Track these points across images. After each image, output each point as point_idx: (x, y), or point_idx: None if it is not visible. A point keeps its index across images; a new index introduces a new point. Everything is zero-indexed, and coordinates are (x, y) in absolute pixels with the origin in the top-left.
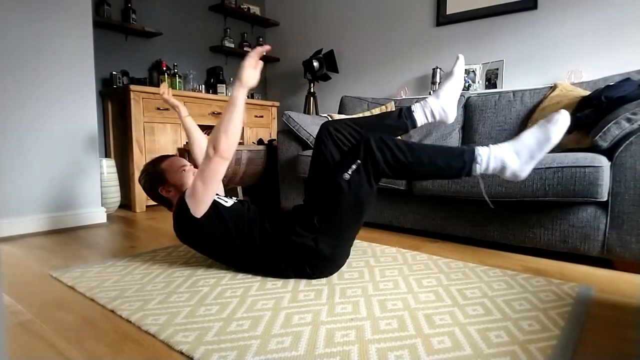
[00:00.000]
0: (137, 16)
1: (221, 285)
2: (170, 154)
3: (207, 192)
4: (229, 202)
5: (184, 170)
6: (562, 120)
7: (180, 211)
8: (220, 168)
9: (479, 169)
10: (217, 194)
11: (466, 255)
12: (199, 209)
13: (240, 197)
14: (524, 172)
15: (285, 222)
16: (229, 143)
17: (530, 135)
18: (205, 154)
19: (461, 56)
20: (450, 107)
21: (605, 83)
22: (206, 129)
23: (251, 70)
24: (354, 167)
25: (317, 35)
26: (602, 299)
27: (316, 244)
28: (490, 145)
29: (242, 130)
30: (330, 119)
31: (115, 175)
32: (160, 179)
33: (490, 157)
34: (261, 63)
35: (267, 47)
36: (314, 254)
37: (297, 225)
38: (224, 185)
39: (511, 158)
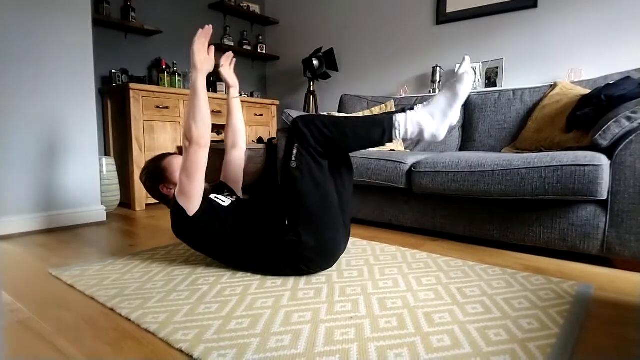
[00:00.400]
0: (137, 14)
1: (221, 283)
2: (171, 152)
3: (193, 185)
4: (226, 202)
5: None
6: (467, 78)
7: (175, 210)
8: (199, 157)
9: (398, 134)
10: (216, 195)
11: (466, 253)
12: (191, 205)
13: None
14: (440, 131)
15: (277, 222)
16: (199, 129)
17: (440, 97)
18: (183, 148)
19: (467, 58)
20: (429, 124)
21: (605, 82)
22: None
23: (201, 54)
24: (294, 151)
25: (317, 33)
26: (601, 298)
27: (299, 238)
28: (407, 110)
29: None
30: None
31: (115, 174)
32: (161, 177)
33: (407, 121)
34: (212, 48)
35: (210, 27)
36: (300, 247)
37: (279, 226)
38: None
39: (427, 120)
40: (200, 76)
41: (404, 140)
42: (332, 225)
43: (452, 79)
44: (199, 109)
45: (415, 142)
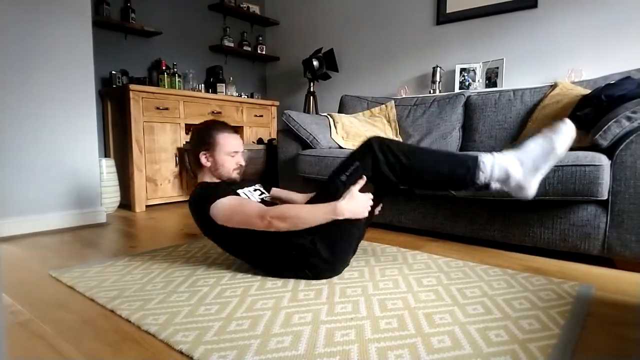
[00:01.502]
0: (137, 15)
1: (221, 284)
2: (230, 126)
3: (230, 224)
4: (253, 197)
5: (233, 156)
6: (566, 130)
7: (201, 206)
8: (253, 226)
9: (482, 177)
10: (245, 191)
11: (466, 254)
12: (218, 220)
13: None
14: (529, 184)
15: None
16: (281, 229)
17: (534, 145)
18: (259, 215)
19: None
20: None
21: (606, 82)
22: None
23: (358, 202)
24: (352, 168)
25: (316, 34)
26: (602, 298)
27: (314, 245)
28: (494, 153)
29: (242, 129)
30: (330, 118)
31: (115, 175)
32: (209, 145)
33: (495, 164)
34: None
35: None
36: (313, 255)
37: None
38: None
39: (515, 167)
40: (332, 217)
41: (487, 185)
42: (348, 243)
43: (547, 128)
44: (301, 223)
45: (416, 143)
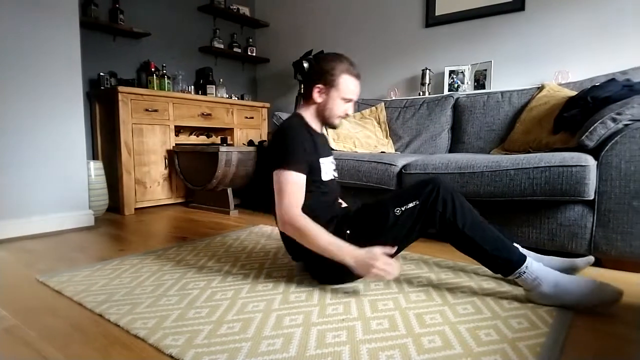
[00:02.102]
0: (125, 16)
1: (211, 287)
2: (356, 67)
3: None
4: (327, 175)
5: (346, 102)
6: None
7: (275, 158)
8: (276, 211)
9: (514, 275)
10: (324, 160)
11: (456, 254)
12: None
13: (231, 199)
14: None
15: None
16: (290, 235)
17: (576, 283)
18: (285, 211)
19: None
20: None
21: (591, 84)
22: (195, 130)
23: (370, 265)
24: (410, 205)
25: (307, 36)
26: None
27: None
28: (541, 265)
29: (232, 131)
30: None
31: (103, 178)
32: (328, 82)
33: (534, 273)
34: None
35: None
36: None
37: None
38: (214, 188)
39: (547, 283)
40: (345, 260)
41: (531, 289)
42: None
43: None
44: (314, 247)
45: (406, 145)
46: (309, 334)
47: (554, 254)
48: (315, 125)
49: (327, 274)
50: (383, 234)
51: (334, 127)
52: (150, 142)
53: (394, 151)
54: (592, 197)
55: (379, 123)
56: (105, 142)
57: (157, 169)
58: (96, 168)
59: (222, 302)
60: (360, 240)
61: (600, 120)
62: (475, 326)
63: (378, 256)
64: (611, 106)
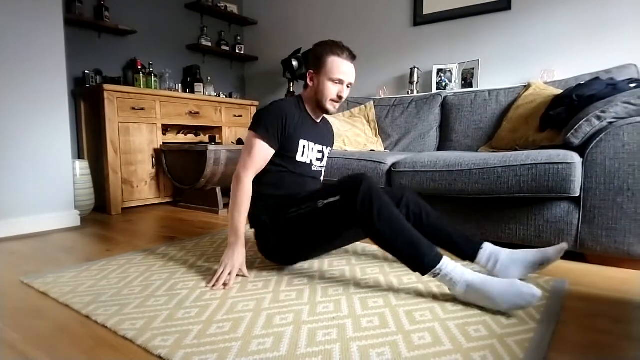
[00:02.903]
0: (111, 14)
1: (200, 287)
2: (349, 51)
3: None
4: (310, 156)
5: (336, 83)
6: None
7: (252, 123)
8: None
9: (432, 273)
10: (309, 142)
11: (444, 251)
12: None
13: (220, 198)
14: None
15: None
16: (231, 188)
17: (498, 285)
18: (239, 173)
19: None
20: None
21: (577, 82)
22: (183, 128)
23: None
24: (332, 200)
25: (295, 34)
26: (576, 292)
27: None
28: (458, 264)
29: (221, 130)
30: None
31: (89, 177)
32: (316, 65)
33: (453, 275)
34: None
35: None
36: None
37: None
38: (203, 187)
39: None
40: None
41: (449, 288)
42: (292, 252)
43: (525, 286)
44: (230, 213)
45: (395, 143)
46: (300, 332)
47: None
48: (312, 110)
49: (278, 253)
50: (307, 225)
51: (327, 111)
52: (137, 141)
53: (383, 149)
54: (577, 194)
55: (368, 121)
56: (91, 141)
57: (145, 168)
58: (82, 167)
59: (212, 302)
60: (294, 226)
61: (586, 118)
62: (464, 322)
63: (234, 265)
64: (596, 104)
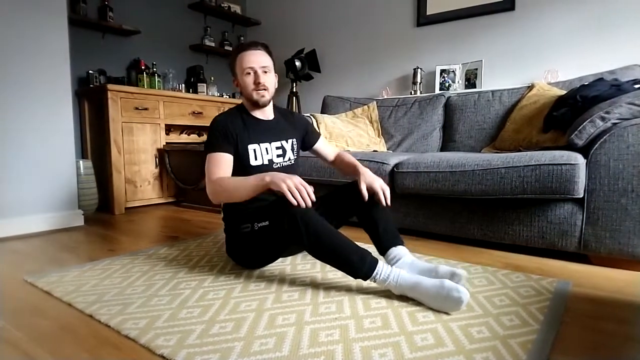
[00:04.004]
0: (115, 14)
1: (203, 287)
2: (258, 43)
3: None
4: (269, 155)
5: (249, 73)
6: (462, 299)
7: (205, 149)
8: (207, 187)
9: (374, 281)
10: (261, 144)
11: (448, 252)
12: None
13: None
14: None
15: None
16: (221, 200)
17: (432, 286)
18: (210, 179)
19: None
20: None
21: (580, 83)
22: (186, 128)
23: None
24: (263, 224)
25: (298, 34)
26: (579, 294)
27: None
28: (393, 268)
29: None
30: (313, 118)
31: (93, 177)
32: (233, 70)
33: (389, 277)
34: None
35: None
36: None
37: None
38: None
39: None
40: (267, 180)
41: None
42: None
43: (452, 284)
44: (241, 188)
45: (398, 143)
46: (302, 333)
47: (545, 252)
48: (251, 109)
49: (247, 257)
50: (254, 241)
51: (258, 102)
52: (141, 140)
53: (386, 150)
54: (581, 195)
55: (371, 122)
56: (95, 141)
57: (148, 168)
58: (85, 167)
59: (214, 301)
60: (244, 240)
61: (589, 119)
62: (467, 324)
63: (294, 177)
64: (600, 105)
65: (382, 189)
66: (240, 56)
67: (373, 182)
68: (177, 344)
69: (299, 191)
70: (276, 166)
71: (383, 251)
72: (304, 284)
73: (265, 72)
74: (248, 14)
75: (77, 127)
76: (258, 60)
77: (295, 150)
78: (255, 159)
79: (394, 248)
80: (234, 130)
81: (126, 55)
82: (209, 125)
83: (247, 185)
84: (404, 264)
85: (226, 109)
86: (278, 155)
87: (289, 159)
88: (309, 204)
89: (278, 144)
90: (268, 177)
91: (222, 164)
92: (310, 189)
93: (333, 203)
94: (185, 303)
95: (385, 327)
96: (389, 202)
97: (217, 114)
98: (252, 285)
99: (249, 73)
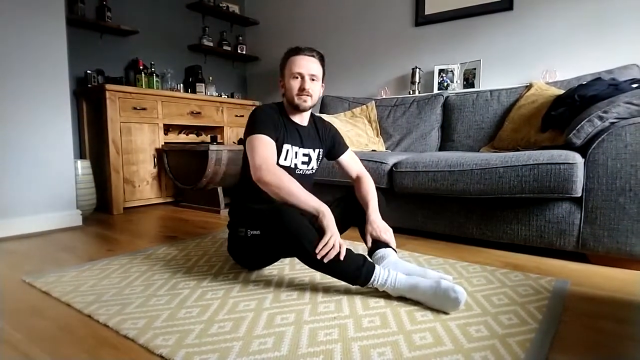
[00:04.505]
0: (113, 14)
1: (202, 287)
2: (310, 49)
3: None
4: (295, 160)
5: (296, 77)
6: (459, 299)
7: (246, 129)
8: (251, 171)
9: (372, 285)
10: (291, 145)
11: (446, 252)
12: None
13: (221, 198)
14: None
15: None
16: (268, 190)
17: (429, 286)
18: (258, 165)
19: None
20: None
21: (578, 82)
22: (185, 128)
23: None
24: (255, 232)
25: (297, 34)
26: (577, 292)
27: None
28: (391, 271)
29: (222, 130)
30: None
31: (91, 177)
32: (282, 71)
33: (385, 277)
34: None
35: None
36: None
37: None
38: (204, 187)
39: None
40: (322, 210)
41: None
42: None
43: (449, 287)
44: (295, 194)
45: (396, 143)
46: (301, 332)
47: (543, 251)
48: (291, 113)
49: (245, 259)
50: (249, 246)
51: (298, 107)
52: (139, 140)
53: (384, 149)
54: (579, 194)
55: (369, 121)
56: (93, 141)
57: (146, 168)
58: (84, 167)
59: (213, 301)
60: (241, 243)
61: (588, 119)
62: (465, 322)
63: (338, 234)
64: (598, 104)
65: (389, 239)
66: (292, 59)
67: (380, 236)
68: (176, 344)
69: (332, 248)
70: (299, 172)
71: (371, 251)
72: (302, 284)
73: (313, 79)
74: (246, 13)
75: (75, 127)
76: (308, 67)
77: (319, 160)
78: (285, 159)
79: (382, 249)
80: (278, 122)
81: (124, 55)
82: (251, 112)
83: (304, 200)
84: (389, 263)
85: (225, 109)
86: (303, 162)
87: (312, 168)
88: (326, 259)
89: (306, 151)
90: (324, 212)
91: (269, 145)
92: (343, 251)
93: (345, 211)
94: (184, 303)
95: (383, 326)
96: (395, 247)
97: (259, 106)
98: (250, 284)
99: (297, 77)
